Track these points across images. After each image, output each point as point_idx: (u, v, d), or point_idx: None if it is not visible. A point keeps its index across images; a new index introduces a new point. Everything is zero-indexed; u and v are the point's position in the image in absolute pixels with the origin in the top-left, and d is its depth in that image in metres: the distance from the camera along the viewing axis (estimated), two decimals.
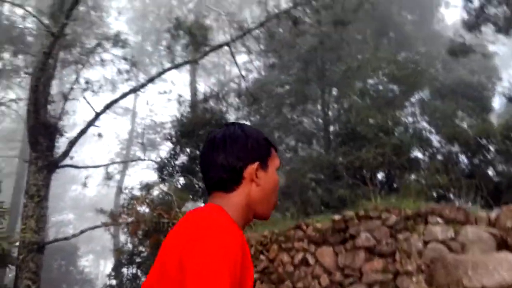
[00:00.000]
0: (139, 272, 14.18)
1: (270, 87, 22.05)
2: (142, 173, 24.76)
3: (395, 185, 18.05)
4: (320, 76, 20.37)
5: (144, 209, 10.14)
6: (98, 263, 47.54)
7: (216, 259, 1.08)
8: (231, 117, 19.78)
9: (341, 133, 16.93)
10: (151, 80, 12.72)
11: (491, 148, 16.76)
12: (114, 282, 15.15)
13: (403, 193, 13.65)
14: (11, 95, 26.01)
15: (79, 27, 17.83)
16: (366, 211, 7.04)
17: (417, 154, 17.87)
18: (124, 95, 12.39)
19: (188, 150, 14.79)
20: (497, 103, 21.85)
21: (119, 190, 20.80)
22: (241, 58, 25.33)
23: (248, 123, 22.34)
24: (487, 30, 15.49)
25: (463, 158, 18.87)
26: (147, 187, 10.48)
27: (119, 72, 16.63)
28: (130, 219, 10.15)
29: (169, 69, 13.89)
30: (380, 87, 17.89)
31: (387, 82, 17.67)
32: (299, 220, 8.20)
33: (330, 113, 20.91)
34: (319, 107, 21.55)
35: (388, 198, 8.18)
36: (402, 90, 17.66)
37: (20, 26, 20.72)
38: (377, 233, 6.69)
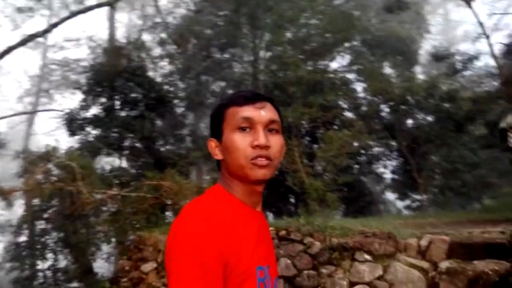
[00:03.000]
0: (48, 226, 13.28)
1: (198, 27, 20.61)
2: (51, 123, 22.39)
3: (318, 138, 18.20)
4: (252, 21, 19.26)
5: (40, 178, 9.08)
6: None
7: (188, 257, 1.09)
8: (151, 65, 18.25)
9: (269, 83, 16.32)
10: (54, 25, 11.02)
11: (413, 103, 17.23)
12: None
13: (324, 147, 13.69)
14: None
15: None
16: (288, 232, 6.22)
17: (343, 104, 17.95)
18: (24, 42, 10.66)
19: (101, 100, 13.44)
20: (424, 56, 22.11)
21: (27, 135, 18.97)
22: None
23: (171, 67, 21.02)
24: None
25: (385, 109, 19.41)
26: (47, 155, 9.31)
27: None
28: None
29: (77, 13, 12.13)
30: (312, 37, 17.23)
31: (319, 33, 17.03)
32: None
33: (260, 60, 20.12)
34: (250, 52, 20.65)
35: (311, 217, 6.99)
36: (333, 41, 17.19)
37: None
38: (298, 261, 5.95)
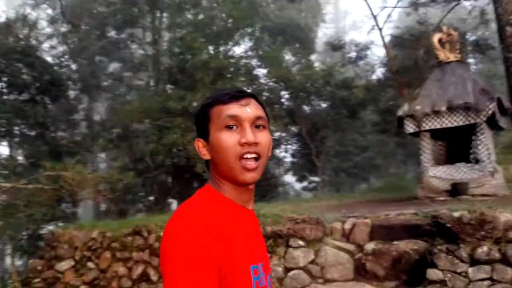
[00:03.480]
0: None
1: (91, 4, 19.10)
2: None
3: None
4: (151, 1, 18.39)
5: None
6: None
7: (183, 255, 1.09)
8: (44, 44, 16.50)
9: (174, 67, 15.81)
10: None
11: (312, 90, 18.08)
12: None
13: None
14: None
15: None
16: None
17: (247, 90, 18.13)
18: None
19: None
20: (319, 43, 23.22)
21: None
22: None
23: (64, 47, 19.26)
24: None
25: (285, 96, 20.13)
26: None
27: None
28: None
29: None
30: (214, 20, 17.02)
31: (221, 17, 16.88)
32: (138, 224, 6.58)
33: (161, 42, 19.37)
34: (149, 34, 19.75)
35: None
36: (235, 26, 17.18)
37: None
38: None
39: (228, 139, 1.24)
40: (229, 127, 1.25)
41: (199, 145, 1.32)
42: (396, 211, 6.00)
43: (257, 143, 1.24)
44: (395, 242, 5.08)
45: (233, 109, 1.26)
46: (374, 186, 18.25)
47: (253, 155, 1.23)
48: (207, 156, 1.30)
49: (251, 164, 1.23)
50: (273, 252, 5.53)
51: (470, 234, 3.88)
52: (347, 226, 5.69)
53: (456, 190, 8.02)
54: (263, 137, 1.26)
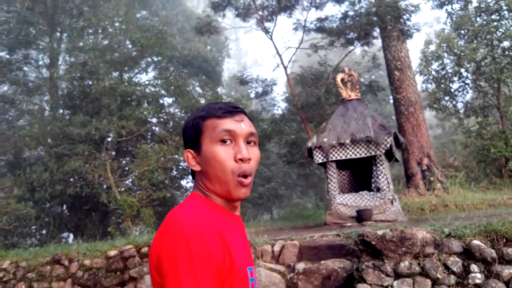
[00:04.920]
0: None
1: None
2: None
3: (129, 152, 17.62)
4: (49, 22, 17.42)
5: None
6: None
7: (187, 259, 1.09)
8: None
9: (76, 91, 15.03)
10: None
11: None
12: None
13: (139, 162, 13.36)
14: None
15: None
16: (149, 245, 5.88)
17: (153, 119, 17.85)
18: None
19: None
20: (225, 77, 23.85)
21: None
22: None
23: None
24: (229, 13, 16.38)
25: None
26: None
27: None
28: None
29: None
30: (118, 47, 16.63)
31: (128, 44, 16.60)
32: (57, 252, 6.14)
33: (59, 66, 18.31)
34: (46, 56, 18.54)
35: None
36: (141, 54, 16.95)
37: None
38: None
39: (224, 153, 1.26)
40: (223, 141, 1.27)
41: (189, 156, 1.33)
42: (319, 233, 6.35)
43: (251, 159, 1.29)
44: (322, 262, 5.37)
45: (229, 124, 1.29)
46: (277, 216, 18.83)
47: (248, 178, 1.28)
48: (196, 168, 1.31)
49: (246, 180, 1.27)
50: None
51: (393, 250, 4.27)
52: (277, 248, 5.88)
53: (361, 216, 8.70)
54: (255, 154, 1.32)
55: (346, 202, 9.19)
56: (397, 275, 4.18)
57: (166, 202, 15.24)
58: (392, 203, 8.72)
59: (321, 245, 5.60)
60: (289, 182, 20.56)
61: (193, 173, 1.35)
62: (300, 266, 5.21)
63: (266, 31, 15.53)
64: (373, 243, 4.36)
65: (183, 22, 22.56)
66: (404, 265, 4.18)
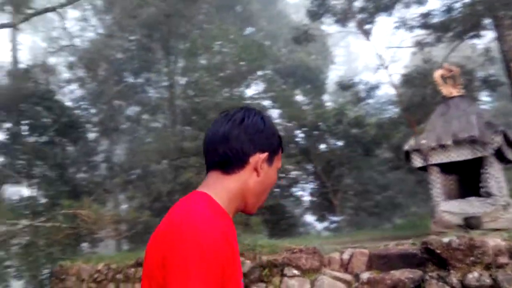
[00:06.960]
0: None
1: (108, 51, 20.02)
2: None
3: None
4: (165, 47, 19.21)
5: None
6: None
7: (198, 264, 1.08)
8: (63, 89, 17.29)
9: (188, 108, 16.30)
10: None
11: (325, 128, 18.28)
12: None
13: None
14: None
15: None
16: None
17: None
18: None
19: (7, 125, 12.35)
20: (330, 84, 23.66)
21: None
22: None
23: (82, 91, 20.07)
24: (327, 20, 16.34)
25: (299, 135, 20.33)
26: None
27: None
28: None
29: None
30: (227, 64, 17.63)
31: (234, 60, 17.49)
32: (139, 255, 6.41)
33: (176, 86, 20.07)
34: (165, 78, 20.50)
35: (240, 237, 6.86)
36: (247, 69, 17.74)
37: None
38: None
39: (274, 181, 1.39)
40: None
41: (265, 159, 1.30)
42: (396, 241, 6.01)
43: None
44: (391, 272, 5.08)
45: (281, 162, 1.43)
46: (398, 224, 17.82)
47: None
48: (260, 173, 1.29)
49: None
50: (268, 281, 5.54)
51: (460, 260, 3.86)
52: (345, 256, 5.69)
53: (469, 224, 7.93)
54: None
55: (452, 209, 8.45)
56: None
57: (275, 210, 15.53)
58: (505, 209, 7.80)
59: (392, 254, 5.28)
60: (407, 190, 19.43)
61: (227, 163, 1.27)
62: (365, 275, 4.98)
63: (366, 33, 15.12)
64: (438, 251, 4.00)
65: (287, 34, 23.01)
66: (472, 276, 3.75)
